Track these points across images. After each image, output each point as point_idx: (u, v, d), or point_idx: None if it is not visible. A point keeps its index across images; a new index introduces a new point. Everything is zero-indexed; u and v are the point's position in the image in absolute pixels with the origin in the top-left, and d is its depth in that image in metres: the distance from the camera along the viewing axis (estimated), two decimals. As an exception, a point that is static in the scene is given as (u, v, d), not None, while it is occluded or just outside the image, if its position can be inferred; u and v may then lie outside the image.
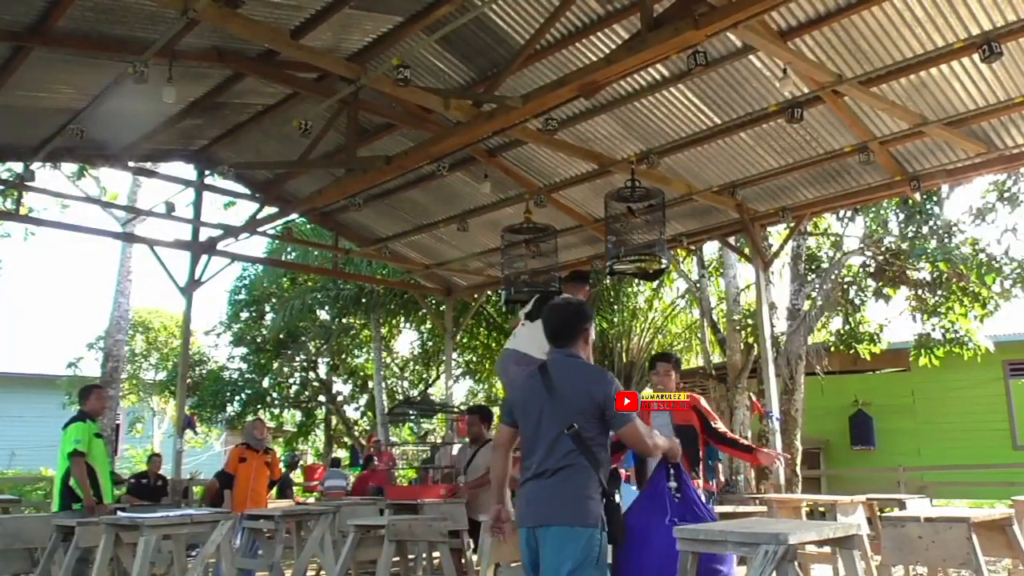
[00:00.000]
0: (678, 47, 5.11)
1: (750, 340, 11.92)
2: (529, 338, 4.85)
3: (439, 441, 9.22)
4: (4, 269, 18.48)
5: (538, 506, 3.18)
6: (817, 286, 11.84)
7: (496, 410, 7.91)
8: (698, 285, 14.22)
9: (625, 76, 6.54)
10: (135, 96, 6.85)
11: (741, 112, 7.16)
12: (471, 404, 9.18)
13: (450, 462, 7.69)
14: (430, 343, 20.34)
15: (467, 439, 7.19)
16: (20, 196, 10.56)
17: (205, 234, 10.57)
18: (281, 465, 10.11)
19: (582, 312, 3.42)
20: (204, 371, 20.97)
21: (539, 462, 3.21)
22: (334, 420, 21.79)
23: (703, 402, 4.92)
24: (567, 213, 9.40)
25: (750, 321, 11.76)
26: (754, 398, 11.76)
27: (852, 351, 11.93)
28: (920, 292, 11.67)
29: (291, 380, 21.30)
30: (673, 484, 3.68)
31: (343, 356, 21.19)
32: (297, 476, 15.35)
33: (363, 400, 21.64)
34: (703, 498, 3.93)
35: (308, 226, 14.57)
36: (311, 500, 12.90)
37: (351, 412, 21.77)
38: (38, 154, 8.68)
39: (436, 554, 6.42)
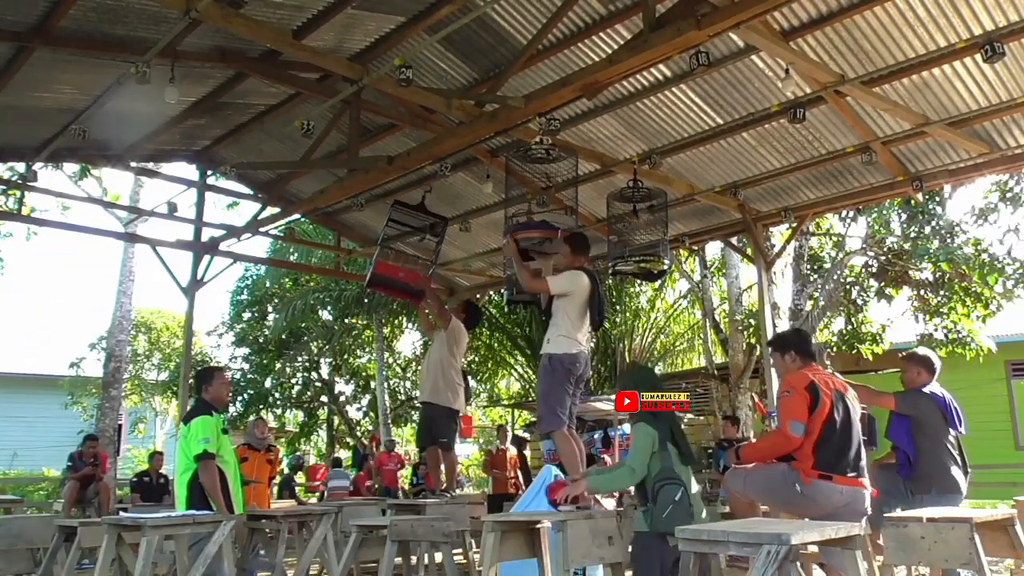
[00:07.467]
0: (680, 47, 5.11)
1: (752, 340, 11.92)
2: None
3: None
4: (6, 269, 18.45)
5: None
6: (819, 286, 11.84)
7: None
8: (700, 285, 14.23)
9: (627, 76, 6.54)
10: (137, 96, 6.84)
11: (743, 112, 7.15)
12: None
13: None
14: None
15: None
16: (22, 196, 10.56)
17: (207, 234, 10.56)
18: (284, 465, 10.11)
19: None
20: (206, 371, 20.98)
21: None
22: (336, 420, 21.81)
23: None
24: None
25: (752, 321, 11.76)
26: (756, 398, 11.78)
27: (854, 351, 11.92)
28: (922, 292, 11.68)
29: (293, 381, 21.33)
30: None
31: (345, 356, 21.20)
32: (300, 476, 15.36)
33: (365, 400, 21.66)
34: None
35: (310, 226, 14.59)
36: (313, 500, 12.91)
37: (353, 412, 21.80)
38: (40, 154, 8.68)
39: (438, 554, 6.42)
